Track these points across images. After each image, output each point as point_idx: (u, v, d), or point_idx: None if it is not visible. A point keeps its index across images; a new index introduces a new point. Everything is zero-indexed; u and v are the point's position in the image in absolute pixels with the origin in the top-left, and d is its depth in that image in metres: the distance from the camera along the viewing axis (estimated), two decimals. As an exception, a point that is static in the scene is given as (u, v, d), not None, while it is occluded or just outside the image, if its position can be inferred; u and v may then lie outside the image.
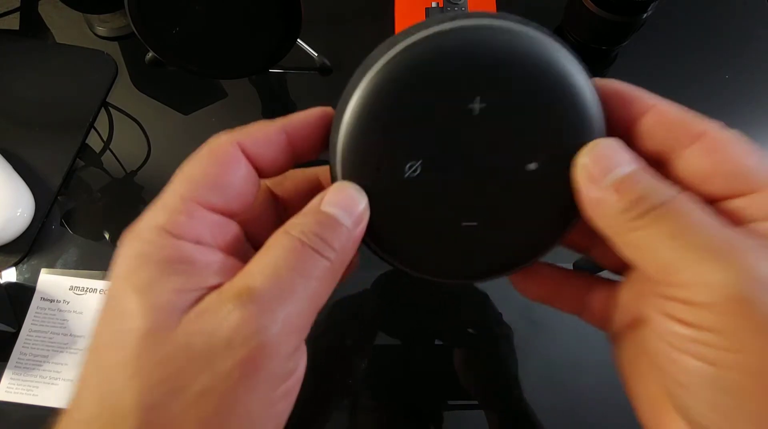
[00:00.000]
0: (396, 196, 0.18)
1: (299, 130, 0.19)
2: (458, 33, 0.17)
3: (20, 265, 0.43)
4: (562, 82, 0.17)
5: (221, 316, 0.15)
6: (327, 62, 0.46)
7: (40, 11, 0.53)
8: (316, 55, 0.45)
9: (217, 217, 0.17)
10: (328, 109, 0.19)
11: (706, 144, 0.16)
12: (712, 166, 0.16)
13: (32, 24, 0.53)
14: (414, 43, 0.17)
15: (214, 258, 0.17)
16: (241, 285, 0.16)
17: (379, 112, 0.17)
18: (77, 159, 0.46)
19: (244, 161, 0.18)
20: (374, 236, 0.19)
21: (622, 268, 0.19)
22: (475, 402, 0.37)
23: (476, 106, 0.17)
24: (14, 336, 0.40)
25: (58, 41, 0.52)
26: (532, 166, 0.17)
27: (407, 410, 0.37)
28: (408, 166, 0.18)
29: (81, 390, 0.16)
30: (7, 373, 0.39)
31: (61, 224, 0.44)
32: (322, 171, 0.20)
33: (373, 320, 0.39)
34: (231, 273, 0.16)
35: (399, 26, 0.46)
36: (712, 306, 0.14)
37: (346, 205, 0.17)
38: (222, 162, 0.18)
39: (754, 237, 0.15)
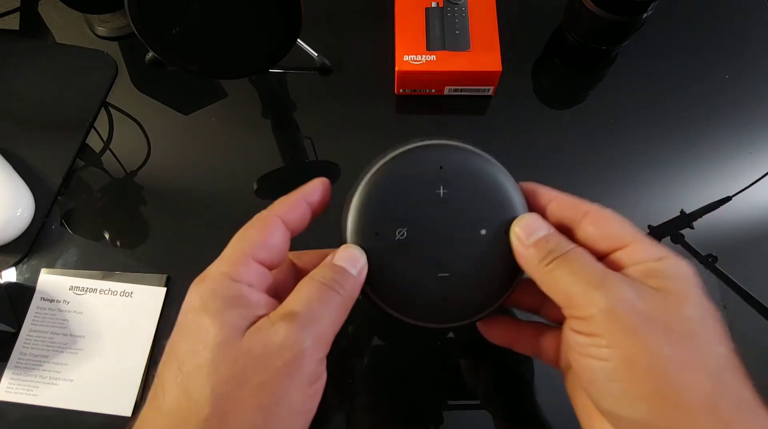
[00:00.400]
0: (390, 253, 0.25)
1: (312, 194, 0.26)
2: (430, 148, 0.26)
3: (20, 265, 0.43)
4: (496, 177, 0.26)
5: (273, 330, 0.22)
6: (327, 62, 0.46)
7: (40, 11, 0.53)
8: (316, 55, 0.45)
9: (262, 269, 0.24)
10: (326, 179, 0.27)
11: (591, 218, 0.24)
12: (597, 231, 0.24)
13: (32, 24, 0.53)
14: (399, 154, 0.26)
15: (260, 297, 0.23)
16: (285, 310, 0.22)
17: (377, 196, 0.25)
18: (77, 159, 0.46)
19: (282, 227, 0.25)
20: (372, 286, 0.25)
21: (563, 319, 0.25)
22: (475, 402, 0.37)
23: (441, 192, 0.25)
24: (14, 336, 0.40)
25: (58, 41, 0.52)
26: (483, 231, 0.25)
27: (407, 410, 0.37)
28: (398, 231, 0.25)
29: (163, 388, 0.22)
30: (7, 373, 0.39)
31: (61, 224, 0.44)
32: (326, 252, 0.26)
33: (372, 320, 0.39)
34: (271, 308, 0.23)
35: (399, 26, 0.46)
36: (595, 317, 0.21)
37: (351, 260, 0.24)
38: (269, 228, 0.24)
39: (620, 275, 0.23)
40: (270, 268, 0.25)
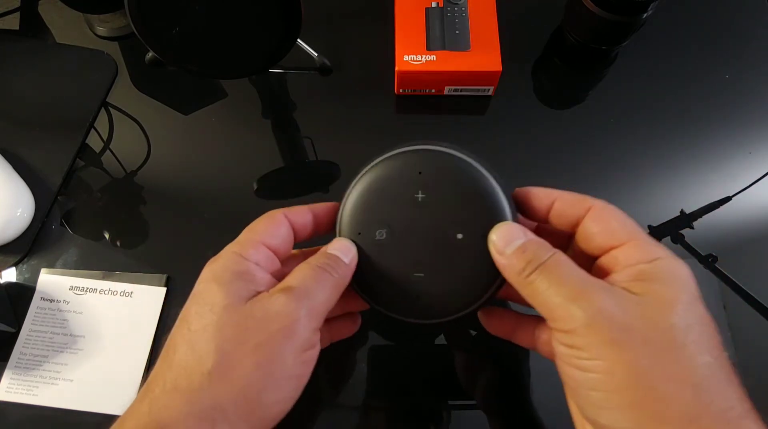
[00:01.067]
0: (370, 252, 0.27)
1: (318, 210, 0.29)
2: (412, 153, 0.27)
3: (20, 265, 0.43)
4: (477, 183, 0.26)
5: (272, 300, 0.24)
6: (327, 62, 0.46)
7: (40, 11, 0.53)
8: (316, 55, 0.46)
9: (269, 253, 0.27)
10: (336, 204, 0.29)
11: (593, 214, 0.25)
12: (597, 228, 0.25)
13: (32, 24, 0.53)
14: (384, 159, 0.27)
15: (265, 275, 0.26)
16: (284, 285, 0.25)
17: (361, 199, 0.27)
18: (77, 159, 0.46)
19: (287, 223, 0.28)
20: (355, 280, 0.27)
21: None
22: (475, 402, 0.37)
23: (419, 196, 0.27)
24: (14, 336, 0.40)
25: (58, 41, 0.52)
26: (460, 236, 0.26)
27: (407, 410, 0.37)
28: (377, 232, 0.27)
29: (174, 346, 0.24)
30: (7, 373, 0.39)
31: (61, 224, 0.44)
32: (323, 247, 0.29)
33: (372, 320, 0.39)
34: (272, 285, 0.26)
35: (399, 26, 0.46)
36: (575, 331, 0.22)
37: (343, 249, 0.27)
38: (276, 222, 0.27)
39: (603, 282, 0.23)
40: (276, 254, 0.27)
